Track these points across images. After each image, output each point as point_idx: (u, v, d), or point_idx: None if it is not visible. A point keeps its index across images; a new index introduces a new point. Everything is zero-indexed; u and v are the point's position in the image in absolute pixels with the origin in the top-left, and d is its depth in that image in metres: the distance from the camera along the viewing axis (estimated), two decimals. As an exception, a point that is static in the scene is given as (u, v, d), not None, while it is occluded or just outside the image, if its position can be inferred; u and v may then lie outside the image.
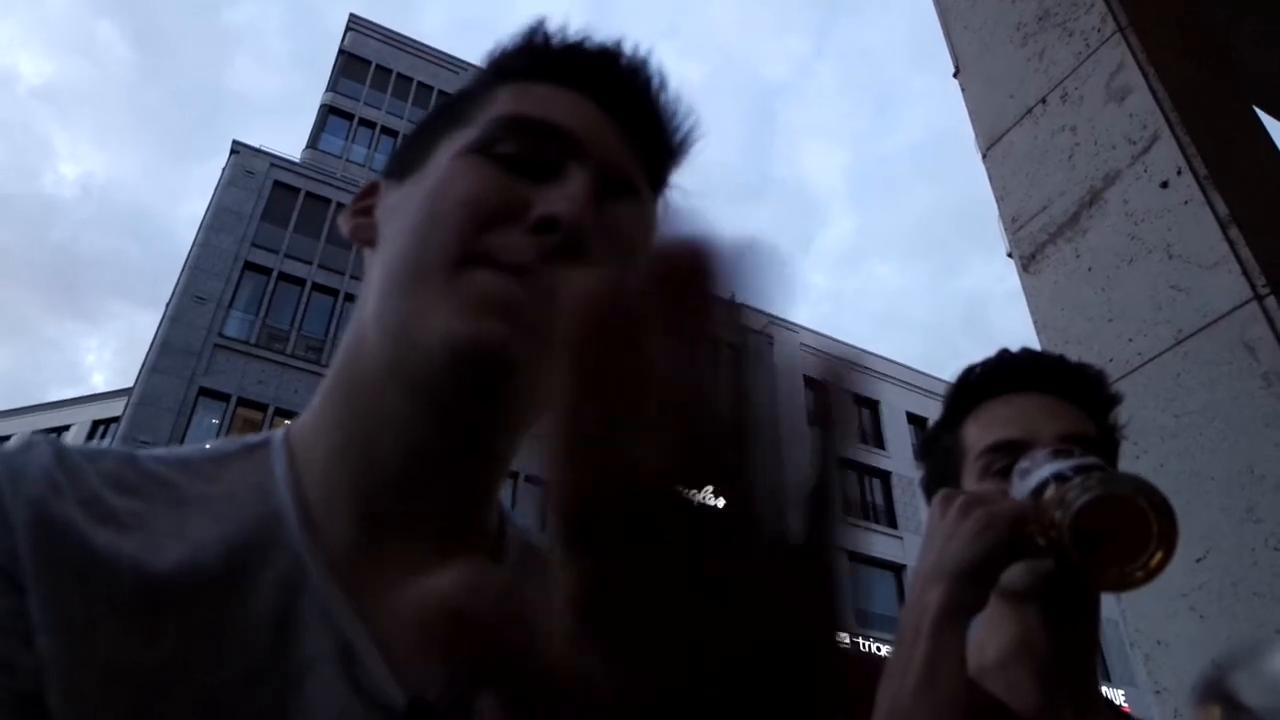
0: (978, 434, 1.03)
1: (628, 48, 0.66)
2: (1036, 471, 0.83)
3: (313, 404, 0.60)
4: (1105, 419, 1.06)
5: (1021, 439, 0.97)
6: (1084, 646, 0.97)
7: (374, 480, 0.56)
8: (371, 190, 0.66)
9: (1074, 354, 1.86)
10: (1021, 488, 0.84)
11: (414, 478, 0.56)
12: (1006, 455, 0.97)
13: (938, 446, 1.11)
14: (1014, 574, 0.89)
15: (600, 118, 0.62)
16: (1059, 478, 0.79)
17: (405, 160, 0.64)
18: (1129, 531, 0.73)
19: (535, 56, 0.64)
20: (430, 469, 0.56)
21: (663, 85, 0.66)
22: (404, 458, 0.55)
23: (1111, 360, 1.78)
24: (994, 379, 1.07)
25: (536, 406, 0.59)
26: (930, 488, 1.12)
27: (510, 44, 0.66)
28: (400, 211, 0.60)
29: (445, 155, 0.60)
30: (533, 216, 0.55)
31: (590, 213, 0.56)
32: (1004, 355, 1.10)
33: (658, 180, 0.67)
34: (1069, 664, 0.96)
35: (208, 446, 0.58)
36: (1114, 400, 1.08)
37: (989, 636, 1.01)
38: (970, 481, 1.01)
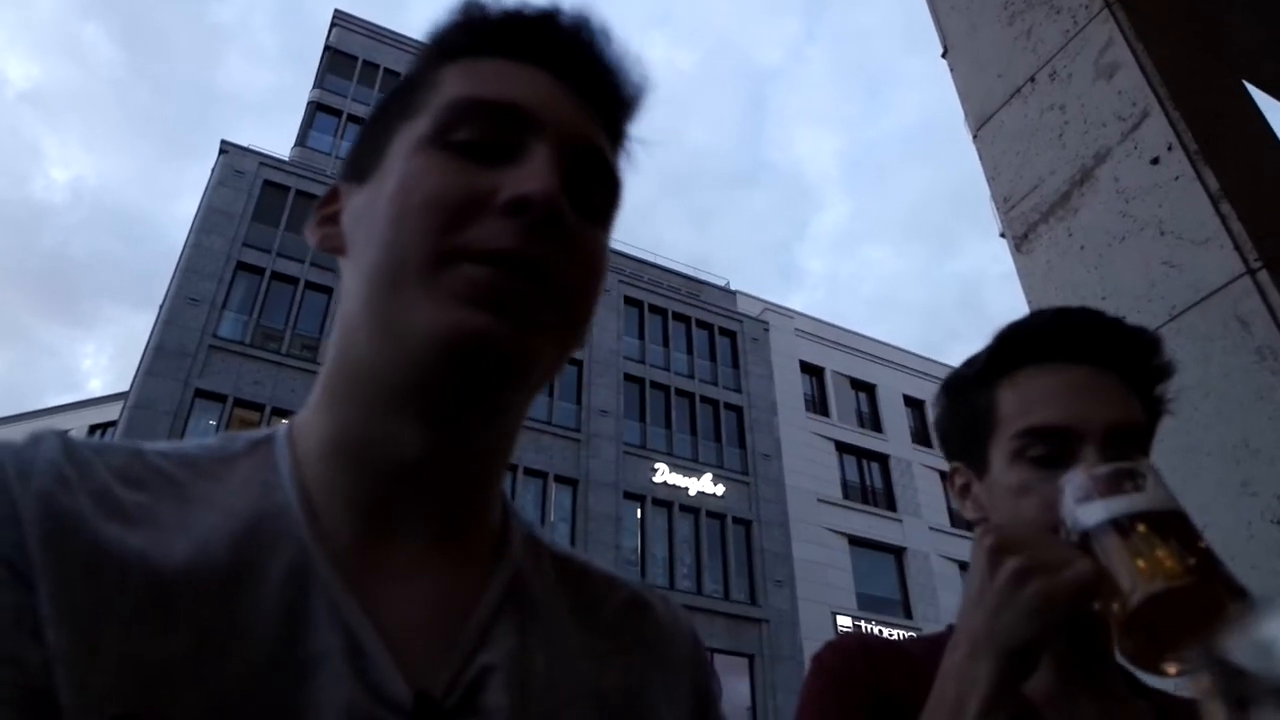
0: (1015, 406, 0.93)
1: (567, 6, 0.64)
2: (1089, 507, 0.71)
3: (310, 402, 0.61)
4: (1152, 393, 0.96)
5: (1065, 426, 0.89)
6: (1103, 632, 0.94)
7: (372, 478, 0.56)
8: (333, 196, 0.65)
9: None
10: (1071, 518, 0.73)
11: (411, 474, 0.56)
12: (1046, 444, 0.89)
13: (965, 401, 1.00)
14: None
15: (551, 85, 0.61)
16: (1119, 529, 0.68)
17: (362, 160, 0.63)
18: (1199, 615, 0.64)
19: (474, 30, 0.63)
20: (427, 465, 0.56)
21: (607, 39, 0.64)
22: (400, 455, 0.56)
23: (1106, 338, 1.79)
24: (1042, 342, 0.95)
25: (529, 394, 0.59)
26: (949, 443, 1.04)
27: (448, 20, 0.64)
28: (366, 217, 0.59)
29: (401, 151, 0.58)
30: (501, 200, 0.54)
31: (559, 185, 0.55)
32: (1059, 316, 0.98)
33: (616, 134, 0.66)
34: (1086, 646, 0.91)
35: (212, 442, 0.58)
36: (1166, 372, 0.98)
37: None
38: (999, 459, 0.93)
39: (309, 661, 0.47)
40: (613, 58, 0.65)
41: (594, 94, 0.63)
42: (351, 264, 0.59)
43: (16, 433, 0.51)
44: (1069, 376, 0.92)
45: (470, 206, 0.54)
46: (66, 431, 0.56)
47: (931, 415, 1.08)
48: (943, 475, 28.63)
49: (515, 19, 0.63)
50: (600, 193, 0.62)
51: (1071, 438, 0.88)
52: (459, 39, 0.63)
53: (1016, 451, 0.91)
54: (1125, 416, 0.90)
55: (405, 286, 0.53)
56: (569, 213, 0.56)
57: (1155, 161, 1.80)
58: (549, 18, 0.63)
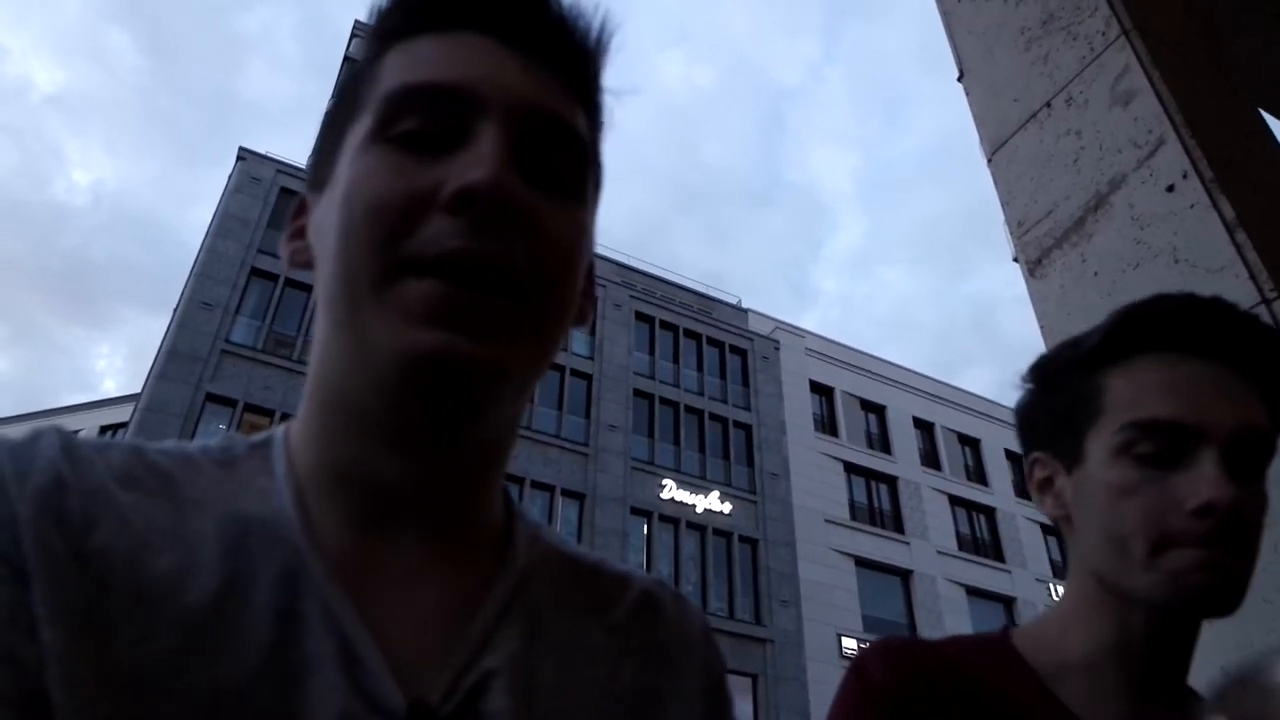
0: (1127, 395, 0.83)
1: None
2: None
3: (299, 412, 0.60)
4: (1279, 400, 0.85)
5: (1184, 423, 0.79)
6: (1183, 653, 0.84)
7: (360, 488, 0.55)
8: (300, 209, 0.63)
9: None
10: None
11: (399, 484, 0.55)
12: (1158, 441, 0.79)
13: (1064, 384, 0.90)
14: (1144, 578, 0.78)
15: (496, 53, 0.56)
16: None
17: (319, 166, 0.60)
18: None
19: (409, 7, 0.58)
20: (413, 474, 0.55)
21: None
22: (384, 466, 0.55)
23: (1118, 364, 1.78)
24: (1167, 329, 0.84)
25: (511, 400, 0.57)
26: (1034, 430, 0.94)
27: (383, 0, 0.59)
28: (324, 228, 0.56)
29: (349, 153, 0.55)
30: (445, 195, 0.50)
31: (508, 169, 0.52)
32: (1189, 302, 0.86)
33: (583, 91, 0.60)
34: (1165, 673, 0.83)
35: (215, 444, 0.58)
36: None
37: (1074, 624, 0.87)
38: (1097, 453, 0.84)
39: (301, 667, 0.47)
40: (563, 9, 0.59)
41: (548, 53, 0.57)
42: (318, 277, 0.57)
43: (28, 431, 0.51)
44: (1192, 370, 0.82)
45: (415, 207, 0.51)
46: (77, 432, 0.56)
47: (1016, 400, 0.98)
48: (951, 499, 28.28)
49: None
50: (567, 162, 0.57)
51: (1189, 438, 0.78)
52: (395, 20, 0.58)
53: (1122, 446, 0.81)
54: (1253, 420, 0.80)
55: (361, 305, 0.51)
56: (523, 196, 0.52)
57: (1170, 189, 1.80)
58: None
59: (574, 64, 0.59)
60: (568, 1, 0.59)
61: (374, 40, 0.59)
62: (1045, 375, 0.94)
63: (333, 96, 0.62)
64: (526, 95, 0.55)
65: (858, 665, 0.88)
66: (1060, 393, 0.90)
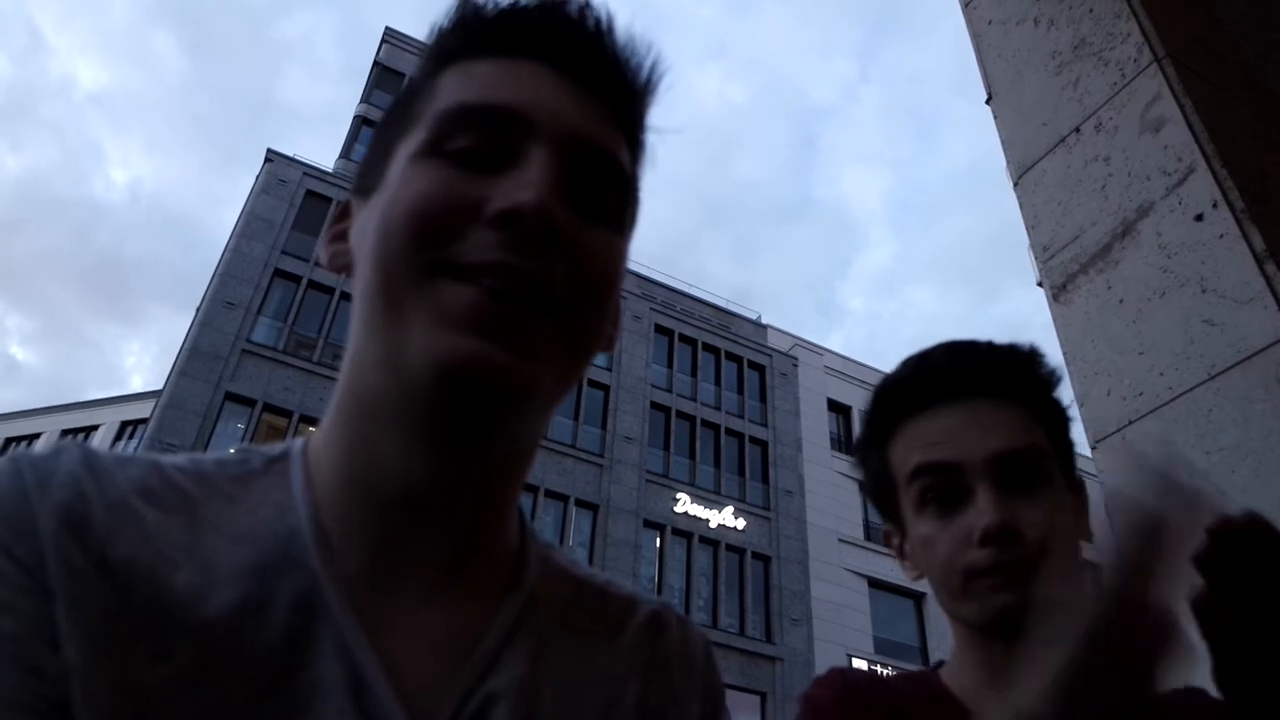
0: (903, 456, 0.93)
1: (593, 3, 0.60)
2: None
3: (323, 423, 0.60)
4: (1049, 406, 0.94)
5: (949, 461, 0.88)
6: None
7: (381, 505, 0.55)
8: (344, 213, 0.63)
9: (1103, 386, 1.84)
10: None
11: (420, 501, 0.55)
12: (935, 479, 0.89)
13: (869, 466, 1.00)
14: (967, 607, 0.87)
15: (552, 82, 0.57)
16: None
17: (368, 173, 0.61)
18: None
19: (470, 30, 0.59)
20: (434, 489, 0.55)
21: (611, 27, 0.60)
22: (408, 481, 0.55)
23: (1141, 394, 1.76)
24: (916, 393, 0.94)
25: (535, 416, 0.57)
26: (877, 507, 1.03)
27: (445, 21, 0.60)
28: (366, 232, 0.57)
29: (400, 163, 0.56)
30: (490, 212, 0.51)
31: (555, 195, 0.52)
32: (924, 363, 0.96)
33: (630, 127, 0.61)
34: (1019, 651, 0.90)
35: (231, 458, 0.58)
36: (1054, 380, 0.96)
37: (962, 661, 0.95)
38: (909, 513, 0.93)
39: (310, 691, 0.47)
40: (619, 46, 0.60)
41: (601, 86, 0.59)
42: (355, 282, 0.57)
43: (50, 423, 0.51)
44: (949, 415, 0.90)
45: (457, 216, 0.52)
46: (89, 436, 0.56)
47: None
48: (967, 522, 28.58)
49: (511, 15, 0.59)
50: (610, 193, 0.58)
51: (959, 475, 0.87)
52: (455, 41, 0.60)
53: (917, 500, 0.91)
54: (1009, 444, 0.87)
55: (397, 305, 0.52)
56: (566, 222, 0.53)
57: (1199, 218, 1.78)
58: (547, 10, 0.59)
59: (624, 100, 0.61)
60: (623, 39, 0.60)
61: (432, 59, 0.61)
62: (859, 459, 1.04)
63: (389, 107, 0.63)
64: (576, 125, 0.56)
65: (806, 696, 0.95)
66: (870, 471, 1.00)
